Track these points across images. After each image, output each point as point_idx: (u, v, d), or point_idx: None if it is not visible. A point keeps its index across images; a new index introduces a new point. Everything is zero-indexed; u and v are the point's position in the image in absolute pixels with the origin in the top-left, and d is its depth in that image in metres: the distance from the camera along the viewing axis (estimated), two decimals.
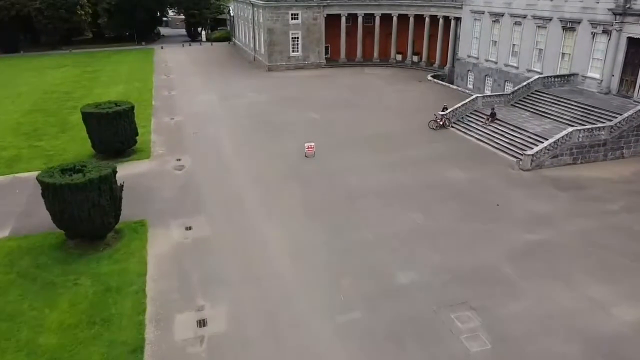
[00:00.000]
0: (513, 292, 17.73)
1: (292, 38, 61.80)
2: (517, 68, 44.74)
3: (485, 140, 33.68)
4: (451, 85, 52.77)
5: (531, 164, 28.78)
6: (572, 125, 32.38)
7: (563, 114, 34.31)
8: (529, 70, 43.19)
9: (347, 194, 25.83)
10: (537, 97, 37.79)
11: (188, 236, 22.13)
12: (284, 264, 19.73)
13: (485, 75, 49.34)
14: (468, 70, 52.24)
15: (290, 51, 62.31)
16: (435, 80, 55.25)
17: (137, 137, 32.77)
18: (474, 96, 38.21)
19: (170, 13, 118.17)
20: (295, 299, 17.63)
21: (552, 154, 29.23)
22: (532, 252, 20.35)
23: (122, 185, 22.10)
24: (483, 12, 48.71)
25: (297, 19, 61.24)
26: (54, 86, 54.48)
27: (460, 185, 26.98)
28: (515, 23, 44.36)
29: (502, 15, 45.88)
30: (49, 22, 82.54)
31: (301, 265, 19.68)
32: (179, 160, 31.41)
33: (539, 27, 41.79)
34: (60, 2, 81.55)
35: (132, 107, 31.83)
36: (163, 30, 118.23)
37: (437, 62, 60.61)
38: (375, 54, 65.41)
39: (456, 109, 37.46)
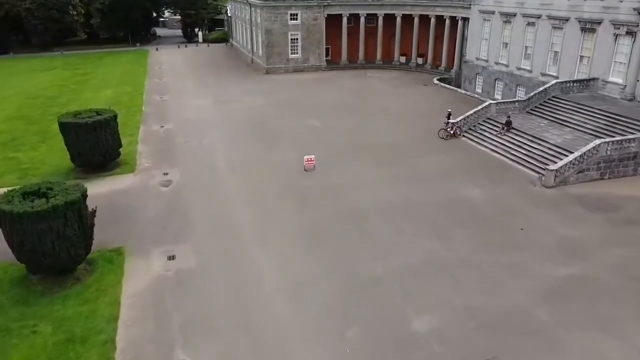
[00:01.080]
0: (550, 344, 14.92)
1: (291, 39, 58.99)
2: (530, 72, 41.97)
3: (501, 152, 30.87)
4: (459, 90, 49.97)
5: (555, 180, 25.99)
6: (596, 136, 29.71)
7: (585, 123, 31.52)
8: (544, 74, 40.41)
9: (351, 216, 23.03)
10: (555, 103, 35.01)
11: (170, 268, 19.33)
12: (280, 308, 16.90)
13: (496, 79, 46.54)
14: (477, 74, 49.44)
15: (289, 53, 59.50)
16: (442, 83, 52.45)
17: (120, 149, 29.97)
18: (487, 103, 35.41)
19: (166, 13, 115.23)
20: (294, 354, 14.82)
21: (578, 168, 26.44)
22: (568, 290, 17.56)
23: (95, 211, 19.31)
24: (493, 12, 45.93)
25: (297, 19, 58.44)
26: (40, 90, 51.65)
27: (477, 204, 24.19)
28: (529, 24, 41.58)
29: (514, 15, 43.10)
30: (40, 23, 79.76)
31: (300, 308, 16.86)
32: (166, 174, 28.61)
33: (554, 27, 39.00)
34: (52, 2, 78.72)
35: (115, 116, 29.03)
36: (159, 31, 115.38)
37: (443, 64, 57.84)
38: (378, 56, 62.59)
39: (468, 116, 34.67)
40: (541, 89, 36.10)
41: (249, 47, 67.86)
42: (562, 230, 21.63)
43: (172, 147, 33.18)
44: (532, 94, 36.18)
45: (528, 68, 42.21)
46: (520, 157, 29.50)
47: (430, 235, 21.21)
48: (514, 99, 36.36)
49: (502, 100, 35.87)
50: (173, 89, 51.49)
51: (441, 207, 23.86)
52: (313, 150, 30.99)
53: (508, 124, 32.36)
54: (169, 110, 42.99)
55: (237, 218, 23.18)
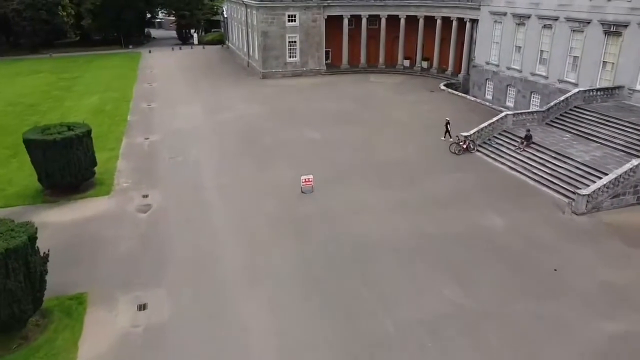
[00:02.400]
0: None
1: (289, 42, 55.73)
2: (546, 78, 38.78)
3: (521, 170, 27.66)
4: (468, 96, 46.73)
5: (586, 206, 22.78)
6: (628, 152, 26.61)
7: (614, 137, 28.32)
8: (561, 81, 37.24)
9: (355, 252, 19.82)
10: (578, 114, 31.81)
11: (139, 322, 16.11)
12: None
13: (507, 85, 43.36)
14: (486, 79, 46.26)
15: (287, 56, 56.22)
16: (449, 89, 49.21)
17: (95, 168, 26.78)
18: (502, 114, 32.17)
19: (160, 14, 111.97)
20: None
21: (613, 192, 23.23)
22: (620, 355, 14.36)
23: (47, 255, 16.09)
24: (505, 14, 42.74)
25: (295, 21, 55.18)
26: (21, 97, 48.39)
27: (500, 237, 20.96)
28: (545, 26, 38.38)
29: (528, 17, 39.91)
30: (28, 24, 76.45)
31: None
32: (146, 196, 25.40)
33: (574, 30, 35.82)
34: (40, 2, 75.49)
35: (89, 132, 25.86)
36: (155, 32, 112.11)
37: (450, 69, 54.60)
38: (381, 60, 59.31)
39: (482, 129, 31.46)
40: (562, 98, 32.87)
41: (245, 50, 64.63)
42: (602, 272, 18.42)
43: (156, 164, 29.96)
44: (552, 103, 32.95)
45: (544, 74, 39.03)
46: (544, 177, 26.28)
47: (449, 279, 17.99)
48: (533, 110, 33.11)
49: (520, 111, 32.65)
50: (163, 95, 48.24)
51: (459, 240, 20.63)
52: (311, 167, 27.88)
53: (528, 138, 29.16)
54: (156, 119, 39.76)
55: (222, 255, 19.94)
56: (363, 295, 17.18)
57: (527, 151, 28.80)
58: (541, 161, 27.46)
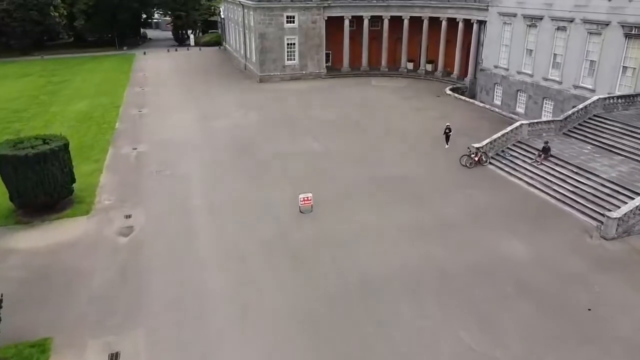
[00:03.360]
0: None
1: (288, 44, 53.36)
2: (559, 83, 36.46)
3: (540, 187, 25.32)
4: (476, 102, 44.44)
5: (617, 230, 20.46)
6: None
7: None
8: (577, 87, 34.95)
9: (360, 288, 17.46)
10: (598, 124, 29.48)
11: None
12: None
13: (518, 90, 41.03)
14: (495, 84, 43.92)
15: (286, 59, 53.86)
16: (455, 94, 46.89)
17: (74, 185, 24.44)
18: (517, 123, 29.80)
19: (156, 15, 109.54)
20: None
21: None
22: None
23: (1, 299, 13.75)
24: (515, 15, 40.42)
25: (293, 22, 52.83)
26: (6, 101, 45.98)
27: (523, 268, 18.62)
28: (558, 28, 36.06)
29: (541, 18, 37.59)
30: (19, 25, 74.05)
31: None
32: (129, 217, 23.05)
33: (590, 33, 33.52)
34: (32, 2, 73.14)
35: (66, 145, 23.51)
36: (152, 33, 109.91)
37: (456, 72, 52.26)
38: (383, 62, 57.00)
39: (495, 140, 29.13)
40: (580, 106, 30.52)
41: (242, 52, 62.27)
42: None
43: (142, 178, 27.60)
44: (570, 112, 30.60)
45: (557, 79, 36.71)
46: (566, 196, 23.95)
47: (469, 322, 15.65)
48: (549, 119, 30.72)
49: (535, 121, 30.28)
50: (154, 100, 45.87)
51: (477, 273, 18.28)
52: (310, 183, 25.63)
53: (545, 150, 26.83)
54: (146, 127, 37.39)
55: (208, 290, 17.57)
56: (370, 344, 14.81)
57: (545, 165, 26.48)
58: (562, 177, 25.13)
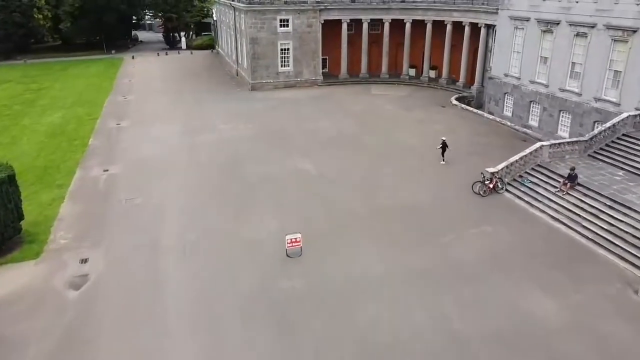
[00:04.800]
0: None
1: (281, 49, 49.80)
2: (579, 95, 32.96)
3: (566, 222, 21.78)
4: (485, 114, 40.93)
5: None
6: None
7: None
8: (598, 99, 31.46)
9: None
10: (629, 145, 26.03)
11: None
12: None
13: (531, 102, 37.54)
14: (505, 93, 40.43)
15: (279, 66, 50.29)
16: (462, 104, 43.39)
17: (22, 222, 20.92)
18: (537, 144, 26.24)
19: (146, 17, 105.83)
20: None
21: None
22: None
23: None
24: (528, 19, 36.94)
25: (288, 26, 49.26)
26: None
27: (555, 335, 15.10)
28: (578, 34, 32.57)
29: (557, 23, 34.10)
30: (1, 28, 70.57)
31: None
32: (85, 261, 19.52)
33: (615, 40, 30.06)
34: (14, 4, 69.67)
35: (10, 177, 19.99)
36: (144, 35, 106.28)
37: (462, 79, 48.76)
38: (384, 69, 53.45)
39: (512, 163, 25.61)
40: (608, 124, 27.05)
41: (234, 57, 58.73)
42: None
43: (108, 209, 24.06)
44: (596, 131, 27.13)
45: (576, 90, 33.21)
46: (599, 235, 20.43)
47: None
48: (573, 140, 27.17)
49: (557, 142, 26.72)
50: (136, 111, 42.33)
51: (500, 341, 14.76)
52: (300, 214, 22.25)
53: (572, 178, 23.31)
54: (123, 144, 33.83)
55: None
56: None
57: (572, 195, 22.97)
58: (593, 210, 21.60)
